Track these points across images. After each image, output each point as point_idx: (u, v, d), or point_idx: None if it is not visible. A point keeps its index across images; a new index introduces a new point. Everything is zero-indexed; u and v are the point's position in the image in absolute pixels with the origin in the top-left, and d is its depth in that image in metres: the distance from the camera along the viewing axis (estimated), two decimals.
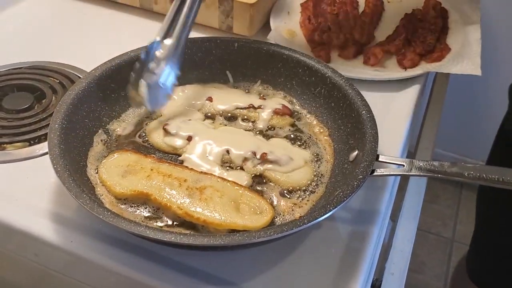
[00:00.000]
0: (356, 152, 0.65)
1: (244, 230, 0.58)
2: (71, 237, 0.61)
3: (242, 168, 0.67)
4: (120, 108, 0.74)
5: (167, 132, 0.70)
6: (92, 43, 0.94)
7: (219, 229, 0.59)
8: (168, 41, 0.69)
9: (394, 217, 0.80)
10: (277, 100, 0.77)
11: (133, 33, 0.97)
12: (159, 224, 0.60)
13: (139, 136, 0.72)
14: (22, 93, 0.81)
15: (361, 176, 0.58)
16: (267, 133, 0.74)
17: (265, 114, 0.75)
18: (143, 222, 0.60)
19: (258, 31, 0.96)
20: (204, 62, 0.81)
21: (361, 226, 0.64)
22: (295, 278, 0.59)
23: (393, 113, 0.82)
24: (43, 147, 0.73)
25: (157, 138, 0.70)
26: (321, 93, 0.76)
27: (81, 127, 0.68)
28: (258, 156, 0.67)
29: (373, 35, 0.98)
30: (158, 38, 0.69)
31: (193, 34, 0.74)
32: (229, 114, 0.76)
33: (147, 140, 0.72)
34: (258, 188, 0.66)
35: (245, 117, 0.76)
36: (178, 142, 0.69)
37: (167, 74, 0.69)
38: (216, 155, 0.67)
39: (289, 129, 0.75)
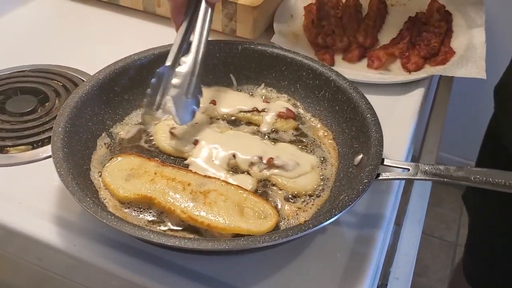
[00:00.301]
0: (361, 156, 0.65)
1: (248, 235, 0.58)
2: (75, 240, 0.60)
3: (248, 173, 0.67)
4: (123, 111, 0.74)
5: (173, 136, 0.70)
6: (96, 46, 0.94)
7: (223, 234, 0.59)
8: (188, 57, 0.70)
9: (399, 221, 0.79)
10: (281, 103, 0.77)
11: (136, 36, 0.97)
12: (163, 228, 0.60)
13: (145, 141, 0.72)
14: (25, 96, 0.80)
15: (366, 180, 0.58)
16: (271, 137, 0.73)
17: (269, 117, 0.75)
18: (146, 226, 0.60)
19: (262, 34, 0.96)
20: (208, 65, 0.80)
21: (366, 231, 0.64)
22: (300, 283, 0.58)
23: (397, 117, 0.82)
24: (46, 150, 0.72)
25: (163, 141, 0.70)
26: (325, 97, 0.76)
27: (85, 131, 0.68)
28: (264, 161, 0.66)
29: (376, 38, 0.97)
30: (168, 63, 0.70)
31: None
32: (233, 118, 0.76)
33: (153, 144, 0.71)
34: (262, 192, 0.65)
35: (249, 120, 0.75)
36: (185, 146, 0.69)
37: (191, 88, 0.70)
38: (222, 160, 0.67)
39: (293, 133, 0.74)
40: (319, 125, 0.75)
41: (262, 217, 0.60)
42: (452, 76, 0.91)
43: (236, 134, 0.72)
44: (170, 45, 0.77)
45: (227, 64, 0.80)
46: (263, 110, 0.75)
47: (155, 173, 0.64)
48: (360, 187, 0.57)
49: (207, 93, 0.78)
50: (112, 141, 0.71)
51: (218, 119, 0.75)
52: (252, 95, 0.80)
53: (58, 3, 1.06)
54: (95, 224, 0.61)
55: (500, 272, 1.10)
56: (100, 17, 1.02)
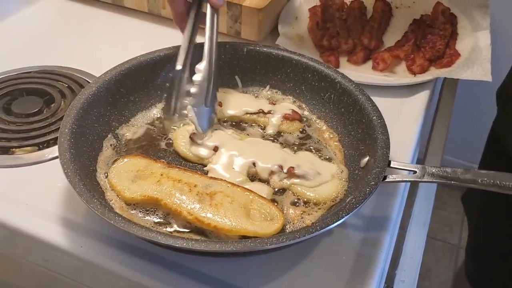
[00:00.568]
0: (367, 158, 0.65)
1: (254, 237, 0.57)
2: (81, 242, 0.60)
3: (268, 182, 0.66)
4: (129, 112, 0.74)
5: (193, 141, 0.69)
6: (101, 47, 0.94)
7: (229, 235, 0.59)
8: (202, 64, 0.70)
9: (404, 224, 0.79)
10: (287, 105, 0.77)
11: (141, 37, 0.97)
12: (169, 229, 0.60)
13: (166, 145, 0.72)
14: (31, 97, 0.81)
15: (373, 183, 0.58)
16: (278, 139, 0.73)
17: (274, 119, 0.75)
18: (153, 227, 0.60)
19: (266, 36, 0.96)
20: None
21: (372, 233, 0.64)
22: (306, 285, 0.58)
23: (403, 119, 0.82)
24: (52, 151, 0.72)
25: (183, 147, 0.69)
26: (330, 99, 0.76)
27: (91, 132, 0.68)
28: (284, 170, 0.66)
29: (381, 40, 0.97)
30: (179, 67, 0.70)
31: (200, 39, 0.74)
32: (239, 119, 0.76)
33: (172, 148, 0.71)
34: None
35: (255, 122, 0.75)
36: (204, 152, 0.68)
37: (209, 96, 0.70)
38: (242, 167, 0.66)
39: (298, 135, 0.74)
40: (324, 127, 0.75)
41: (269, 219, 0.60)
42: (457, 79, 0.91)
43: (255, 142, 0.71)
44: (176, 47, 0.77)
45: (233, 65, 0.80)
46: (269, 112, 0.75)
47: (161, 175, 0.64)
48: (367, 189, 0.57)
49: None
50: (118, 142, 0.71)
51: (224, 121, 0.75)
52: (257, 97, 0.80)
53: (63, 5, 1.06)
54: (101, 225, 0.61)
55: (502, 275, 1.10)
56: (105, 19, 1.02)
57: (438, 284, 1.84)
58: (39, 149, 0.73)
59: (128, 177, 0.64)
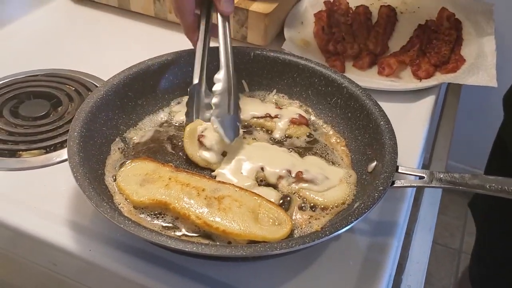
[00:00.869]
0: (374, 163, 0.65)
1: (263, 241, 0.58)
2: (90, 245, 0.60)
3: (276, 186, 0.66)
4: (137, 116, 0.75)
5: (202, 144, 0.69)
6: (108, 51, 0.95)
7: (237, 240, 0.59)
8: (220, 74, 0.70)
9: (409, 228, 0.79)
10: (294, 110, 0.77)
11: (148, 41, 0.98)
12: (178, 233, 0.60)
13: (173, 149, 0.71)
14: (38, 101, 0.81)
15: (381, 188, 0.58)
16: (284, 143, 0.73)
17: (281, 123, 0.75)
18: (161, 231, 0.60)
19: (272, 41, 0.97)
20: None
21: (380, 238, 0.64)
22: None
23: (408, 124, 0.82)
24: (60, 154, 0.73)
25: (193, 150, 0.69)
26: (337, 103, 0.76)
27: (99, 135, 0.68)
28: (293, 175, 0.66)
29: (387, 45, 0.98)
30: (196, 81, 0.71)
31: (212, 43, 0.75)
32: (245, 123, 0.76)
33: (181, 150, 0.71)
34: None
35: (262, 126, 0.75)
36: (212, 157, 0.68)
37: (232, 104, 0.70)
38: (250, 172, 0.66)
39: (305, 139, 0.74)
40: (331, 132, 0.75)
41: (277, 223, 0.60)
42: (460, 84, 0.92)
43: (263, 146, 0.71)
44: (183, 51, 0.78)
45: (239, 70, 0.80)
46: (275, 116, 0.75)
47: (170, 178, 0.64)
48: (376, 194, 0.57)
49: None
50: (126, 146, 0.71)
51: None
52: (264, 101, 0.80)
53: (70, 8, 1.06)
54: (109, 228, 0.62)
55: (508, 281, 1.10)
56: (112, 23, 1.03)
57: None
58: (46, 152, 0.73)
59: (136, 181, 0.64)
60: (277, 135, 0.74)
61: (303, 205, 0.65)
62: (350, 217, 0.55)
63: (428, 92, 0.88)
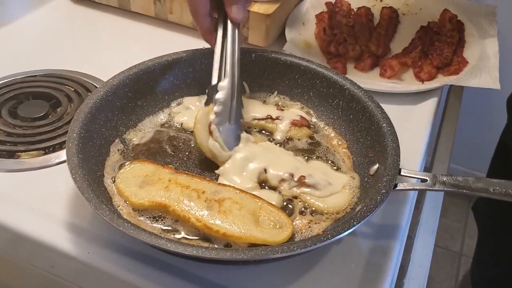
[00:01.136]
0: (377, 166, 0.64)
1: (263, 244, 0.57)
2: (88, 248, 0.60)
3: (278, 189, 0.66)
4: (136, 117, 0.74)
5: (211, 133, 0.67)
6: (107, 52, 0.94)
7: (237, 243, 0.58)
8: (224, 82, 0.70)
9: (410, 232, 0.79)
10: (295, 111, 0.77)
11: (148, 42, 0.97)
12: (177, 236, 0.59)
13: (173, 150, 0.70)
14: (37, 101, 0.80)
15: (384, 191, 0.57)
16: (286, 145, 0.73)
17: (283, 125, 0.74)
18: (161, 234, 0.59)
19: (273, 42, 0.96)
20: None
21: (382, 241, 0.63)
22: None
23: (410, 126, 0.81)
24: (59, 155, 0.72)
25: (203, 137, 0.67)
26: (339, 105, 0.75)
27: (98, 137, 0.67)
28: (295, 179, 0.65)
29: (389, 47, 0.97)
30: (214, 82, 0.70)
31: (208, 44, 0.74)
32: (246, 125, 0.75)
33: (176, 149, 0.70)
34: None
35: (263, 128, 0.75)
36: (220, 150, 0.67)
37: (233, 114, 0.70)
38: (254, 172, 0.66)
39: (307, 141, 0.74)
40: (333, 134, 0.75)
41: (278, 226, 0.59)
42: (463, 86, 0.91)
43: (269, 147, 0.70)
44: (184, 51, 0.77)
45: (240, 71, 0.80)
46: (277, 118, 0.75)
47: (169, 180, 0.63)
48: (378, 197, 0.56)
49: None
50: (125, 147, 0.70)
51: None
52: (265, 102, 0.79)
53: (70, 8, 1.06)
54: (108, 231, 0.61)
55: (510, 285, 1.09)
56: (111, 23, 1.02)
57: None
58: (45, 154, 0.72)
59: (135, 183, 0.63)
60: (278, 137, 0.74)
61: (303, 209, 0.64)
62: (352, 221, 0.54)
63: (430, 94, 0.87)
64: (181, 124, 0.75)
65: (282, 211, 0.61)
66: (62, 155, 0.72)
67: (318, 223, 0.62)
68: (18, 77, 0.85)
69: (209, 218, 0.59)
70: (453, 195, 2.09)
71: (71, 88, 0.83)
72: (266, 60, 0.79)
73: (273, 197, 0.64)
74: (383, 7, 1.05)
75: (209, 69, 0.78)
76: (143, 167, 0.65)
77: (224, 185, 0.64)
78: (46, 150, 0.73)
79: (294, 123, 0.74)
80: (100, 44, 0.97)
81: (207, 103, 0.70)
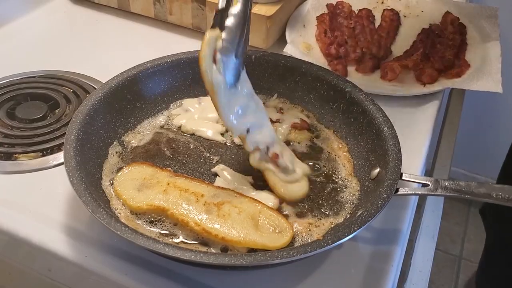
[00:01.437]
0: (378, 170, 0.64)
1: (263, 249, 0.56)
2: (86, 251, 0.59)
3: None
4: (135, 119, 0.73)
5: (215, 62, 0.60)
6: (106, 53, 0.93)
7: (236, 247, 0.57)
8: (236, 8, 0.60)
9: (412, 235, 0.78)
10: (295, 114, 0.76)
11: (148, 43, 0.96)
12: (175, 240, 0.59)
13: (172, 153, 0.70)
14: (35, 102, 0.79)
15: (385, 195, 0.56)
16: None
17: (283, 128, 0.74)
18: (159, 238, 0.58)
19: (274, 43, 0.95)
20: None
21: (383, 246, 0.63)
22: None
23: (412, 130, 0.80)
24: (56, 157, 0.71)
25: (207, 63, 0.60)
26: (340, 108, 0.75)
27: (96, 139, 0.66)
28: (269, 154, 0.63)
29: (390, 49, 0.96)
30: (222, 5, 0.60)
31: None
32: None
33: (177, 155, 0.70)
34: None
35: None
36: (220, 84, 0.61)
37: (241, 46, 0.62)
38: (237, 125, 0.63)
39: (307, 144, 0.73)
40: (333, 137, 0.74)
41: (277, 231, 0.59)
42: (464, 89, 0.90)
43: (262, 109, 0.67)
44: (183, 53, 0.76)
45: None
46: (277, 121, 0.74)
47: (168, 184, 0.63)
48: (379, 202, 0.56)
49: None
50: (124, 149, 0.69)
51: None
52: (265, 105, 0.79)
53: (69, 9, 1.05)
54: (106, 234, 0.60)
55: None
56: (111, 24, 1.01)
57: None
58: (43, 155, 0.72)
59: (134, 186, 0.63)
60: None
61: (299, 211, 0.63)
62: (353, 226, 0.53)
63: (432, 97, 0.86)
64: (180, 126, 0.74)
65: (282, 216, 0.60)
66: (60, 157, 0.71)
67: (318, 226, 0.62)
68: (16, 78, 0.84)
69: (208, 222, 0.58)
70: (453, 199, 2.09)
71: (69, 90, 0.82)
72: (267, 62, 0.79)
73: (269, 199, 0.63)
74: (384, 9, 1.04)
75: None
76: (142, 170, 0.65)
77: (223, 188, 0.63)
78: (44, 152, 0.72)
79: (294, 126, 0.74)
80: (99, 45, 0.96)
81: (213, 27, 0.61)
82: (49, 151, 0.72)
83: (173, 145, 0.71)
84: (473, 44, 0.96)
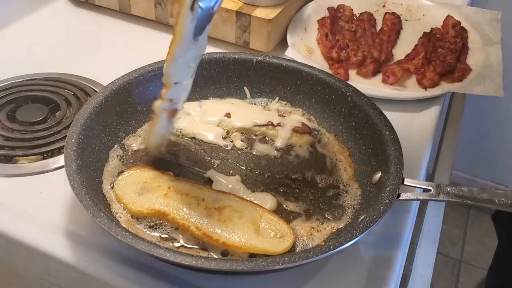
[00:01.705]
0: (379, 174, 0.64)
1: (264, 254, 0.56)
2: (86, 255, 0.59)
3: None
4: (136, 122, 0.73)
5: (193, 10, 0.56)
6: (107, 55, 0.93)
7: (238, 252, 0.57)
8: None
9: (413, 239, 0.78)
10: (297, 118, 0.76)
11: (149, 46, 0.96)
12: (176, 244, 0.58)
13: (172, 156, 0.70)
14: (36, 105, 0.79)
15: (387, 201, 0.56)
16: (289, 153, 0.72)
17: (284, 132, 0.73)
18: (159, 242, 0.58)
19: (275, 47, 0.95)
20: (222, 77, 0.79)
21: (384, 251, 0.62)
22: None
23: (413, 134, 0.80)
24: (57, 160, 0.71)
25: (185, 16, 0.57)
26: (341, 112, 0.74)
27: (97, 142, 0.66)
28: (172, 107, 0.64)
29: (391, 53, 0.96)
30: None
31: (209, 49, 0.73)
32: (247, 131, 0.74)
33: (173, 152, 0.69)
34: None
35: (264, 134, 0.74)
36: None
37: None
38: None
39: (308, 148, 0.73)
40: (334, 141, 0.74)
41: (279, 236, 0.58)
42: (464, 94, 0.90)
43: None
44: None
45: (241, 76, 0.79)
46: (278, 124, 0.74)
47: (169, 188, 0.62)
48: (381, 207, 0.55)
49: (221, 105, 0.77)
50: (125, 153, 0.69)
51: (234, 132, 0.74)
52: (266, 108, 0.79)
53: (70, 11, 1.05)
54: (106, 238, 0.60)
55: None
56: (112, 27, 1.01)
57: None
58: (43, 158, 0.71)
59: (134, 189, 0.62)
60: (279, 143, 0.73)
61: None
62: (354, 231, 0.53)
63: (433, 101, 0.86)
64: (181, 129, 0.74)
65: (283, 220, 0.60)
66: (60, 160, 0.71)
67: (319, 231, 0.61)
68: (17, 81, 0.84)
69: (209, 226, 0.58)
70: (454, 202, 2.08)
71: (70, 92, 0.82)
72: (268, 65, 0.78)
73: (267, 200, 0.63)
74: (385, 13, 1.04)
75: (209, 75, 0.78)
76: (143, 174, 0.65)
77: (224, 192, 0.63)
78: (45, 155, 0.72)
79: (295, 130, 0.73)
80: (100, 47, 0.96)
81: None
82: (49, 154, 0.72)
83: (174, 148, 0.71)
84: (474, 48, 0.96)
